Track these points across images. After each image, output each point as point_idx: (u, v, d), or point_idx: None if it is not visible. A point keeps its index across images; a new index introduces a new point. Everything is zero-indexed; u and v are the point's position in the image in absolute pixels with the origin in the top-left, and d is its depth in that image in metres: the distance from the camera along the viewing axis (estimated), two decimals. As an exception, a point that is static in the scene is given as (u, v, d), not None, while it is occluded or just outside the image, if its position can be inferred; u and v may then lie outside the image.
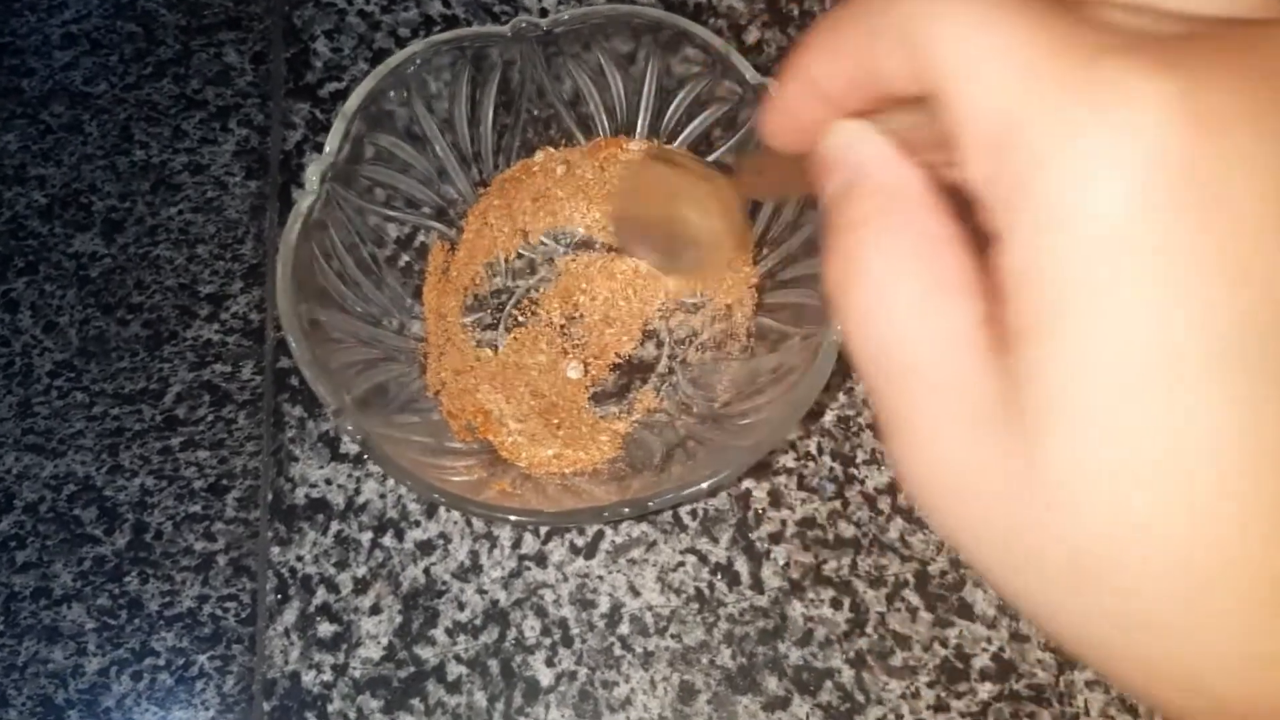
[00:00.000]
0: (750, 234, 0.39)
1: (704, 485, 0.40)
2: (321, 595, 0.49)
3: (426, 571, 0.49)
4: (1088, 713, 0.47)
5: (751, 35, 0.59)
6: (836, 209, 0.21)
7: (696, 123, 0.51)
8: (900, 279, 0.19)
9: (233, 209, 0.53)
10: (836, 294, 0.20)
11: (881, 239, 0.20)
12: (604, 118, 0.53)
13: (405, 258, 0.52)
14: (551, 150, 0.52)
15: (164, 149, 0.55)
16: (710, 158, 0.52)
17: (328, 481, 0.50)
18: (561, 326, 0.52)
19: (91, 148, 0.54)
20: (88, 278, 0.52)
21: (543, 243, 0.53)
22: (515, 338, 0.51)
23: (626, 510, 0.40)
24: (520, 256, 0.53)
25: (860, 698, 0.47)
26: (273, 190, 0.55)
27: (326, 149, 0.46)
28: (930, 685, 0.47)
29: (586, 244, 0.53)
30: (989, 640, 0.47)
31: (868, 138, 0.21)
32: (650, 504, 0.40)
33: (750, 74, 0.47)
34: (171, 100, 0.55)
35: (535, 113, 0.53)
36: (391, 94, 0.48)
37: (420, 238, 0.52)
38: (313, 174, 0.45)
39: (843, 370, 0.51)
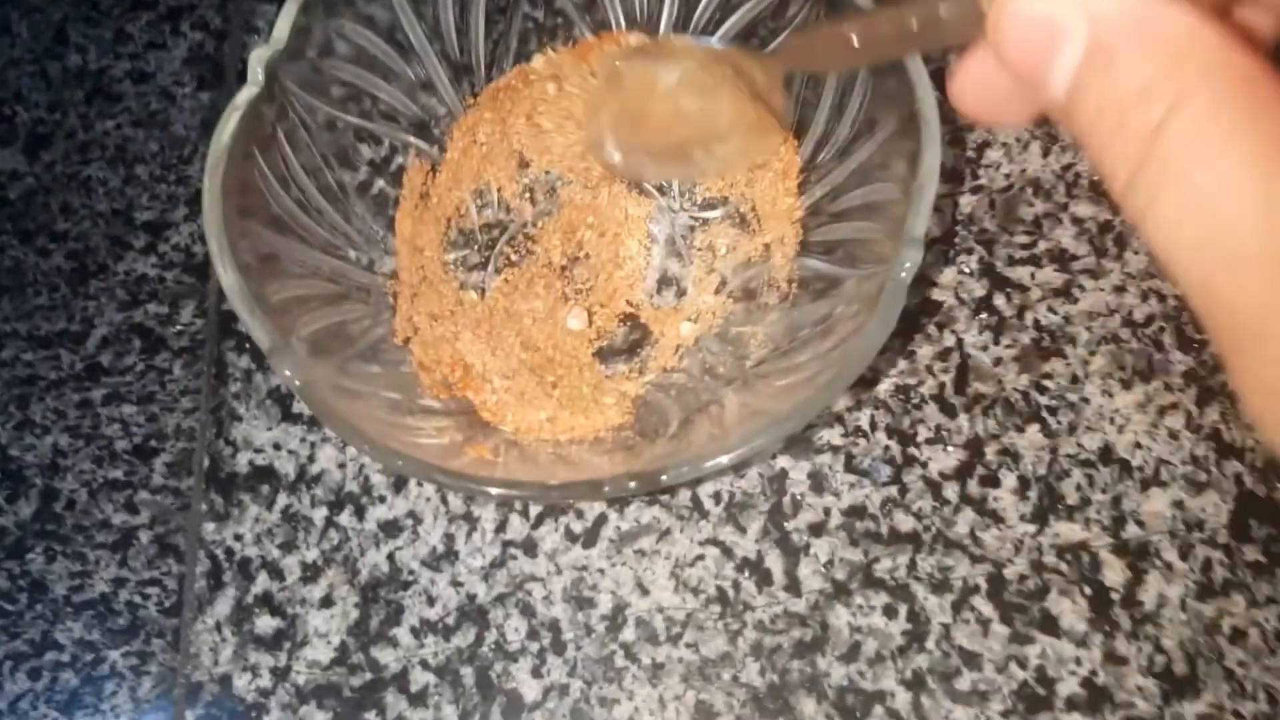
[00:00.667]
0: (790, 112, 0.31)
1: (726, 459, 0.31)
2: (262, 582, 0.40)
3: (390, 558, 0.40)
4: (1200, 755, 0.38)
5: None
6: (1099, 83, 0.16)
7: (736, 18, 0.43)
8: (1247, 158, 0.15)
9: (180, 124, 0.45)
10: (1135, 190, 0.16)
11: (1200, 109, 0.15)
12: (621, 19, 0.44)
13: (380, 184, 0.43)
14: (552, 54, 0.44)
15: (103, 54, 0.46)
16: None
17: (276, 446, 0.42)
18: (562, 268, 0.43)
19: (20, 50, 0.46)
20: (6, 199, 0.44)
21: (546, 172, 0.45)
22: (506, 279, 0.42)
23: (633, 485, 0.31)
24: (516, 184, 0.44)
25: (917, 728, 0.38)
26: (228, 103, 0.47)
27: (275, 34, 0.37)
28: (1005, 715, 0.38)
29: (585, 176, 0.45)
30: (1078, 661, 0.38)
31: None
32: (663, 478, 0.31)
33: (804, -48, 0.38)
34: (116, -2, 0.47)
35: (540, 18, 0.44)
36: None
37: (398, 160, 0.43)
38: (256, 63, 0.36)
39: (904, 330, 0.42)
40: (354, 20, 0.40)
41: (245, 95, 0.36)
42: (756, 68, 0.30)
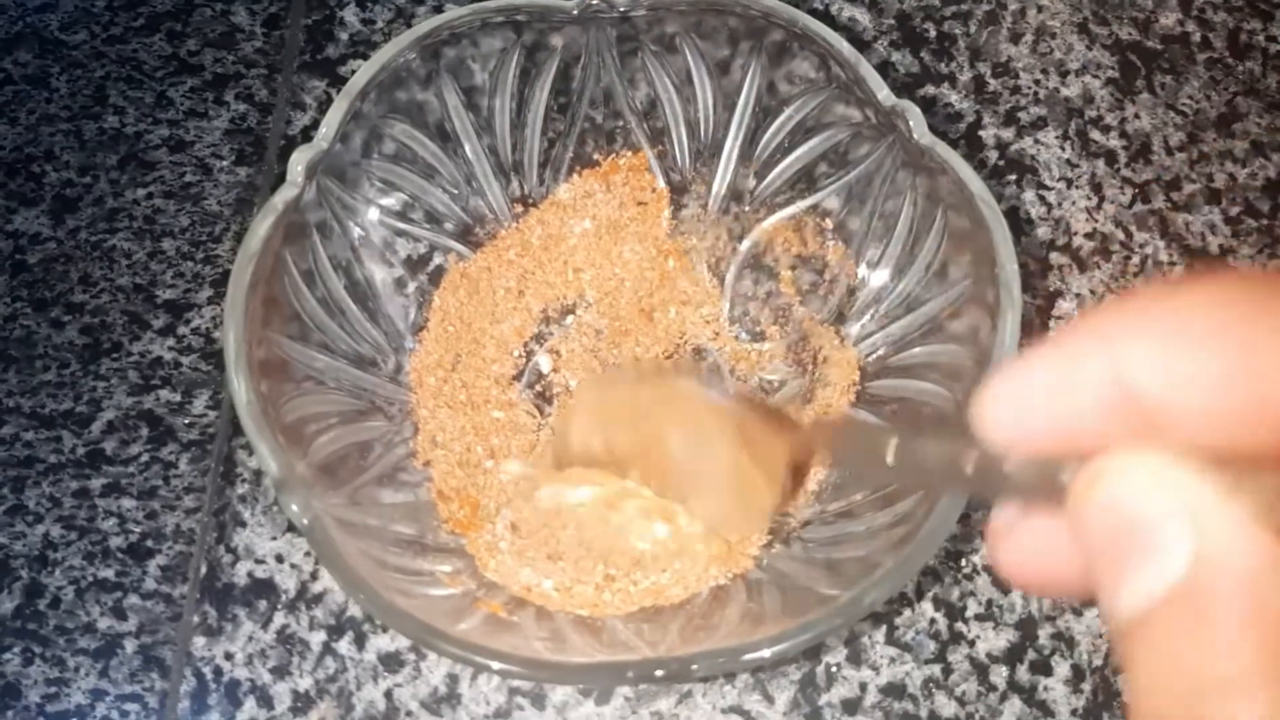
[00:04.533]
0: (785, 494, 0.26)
1: (767, 653, 0.28)
2: (250, 709, 0.37)
3: (388, 695, 0.37)
4: None
5: (875, 55, 0.47)
6: (1176, 648, 0.13)
7: (797, 155, 0.40)
8: None
9: (214, 199, 0.43)
10: None
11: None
12: (683, 134, 0.42)
13: (413, 284, 0.41)
14: (576, 179, 0.42)
15: (142, 118, 0.45)
16: (809, 201, 0.41)
17: (279, 558, 0.39)
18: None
19: (55, 107, 0.45)
20: (24, 264, 0.42)
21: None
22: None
23: (660, 673, 0.28)
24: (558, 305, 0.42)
25: None
26: (265, 181, 0.45)
27: (321, 132, 0.35)
28: None
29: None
30: None
31: (1219, 499, 0.13)
32: (694, 667, 0.29)
33: (884, 93, 0.36)
34: (160, 61, 0.45)
35: (598, 120, 0.42)
36: (417, 72, 0.38)
37: (436, 260, 0.41)
38: (297, 162, 0.34)
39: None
40: (404, 116, 0.38)
41: (283, 196, 0.34)
42: (764, 436, 0.26)
